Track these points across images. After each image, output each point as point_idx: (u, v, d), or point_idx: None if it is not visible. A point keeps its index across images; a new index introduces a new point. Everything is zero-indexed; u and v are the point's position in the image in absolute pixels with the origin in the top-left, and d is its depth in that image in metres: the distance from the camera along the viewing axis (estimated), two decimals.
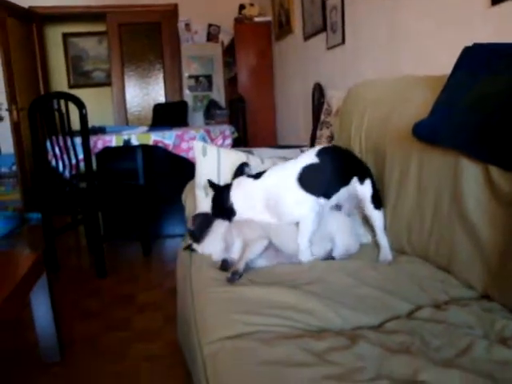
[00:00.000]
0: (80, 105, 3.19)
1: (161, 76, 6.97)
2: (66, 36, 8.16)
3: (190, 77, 6.78)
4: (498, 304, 1.32)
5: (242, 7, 5.75)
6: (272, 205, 1.70)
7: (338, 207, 1.84)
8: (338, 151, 1.84)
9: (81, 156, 3.33)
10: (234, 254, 1.69)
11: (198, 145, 2.06)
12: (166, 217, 4.26)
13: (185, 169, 3.07)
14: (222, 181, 1.95)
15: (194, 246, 1.85)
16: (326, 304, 1.32)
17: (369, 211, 1.80)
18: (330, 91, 3.76)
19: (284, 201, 1.69)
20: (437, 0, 2.44)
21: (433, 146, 1.55)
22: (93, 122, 3.85)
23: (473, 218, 1.40)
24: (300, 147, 2.44)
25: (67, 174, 3.43)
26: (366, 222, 1.89)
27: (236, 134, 4.30)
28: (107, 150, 3.74)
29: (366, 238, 1.89)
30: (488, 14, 2.07)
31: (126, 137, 3.72)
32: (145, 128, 4.27)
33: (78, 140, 3.29)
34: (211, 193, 1.89)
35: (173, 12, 6.57)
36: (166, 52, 6.84)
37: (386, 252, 1.73)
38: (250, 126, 5.12)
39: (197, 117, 6.74)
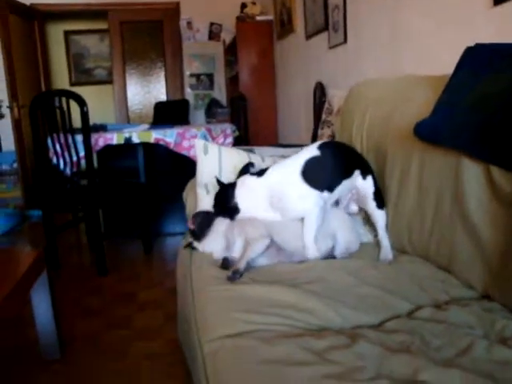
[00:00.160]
0: (81, 102, 3.18)
1: (162, 74, 6.97)
2: (67, 33, 8.16)
3: (192, 75, 6.78)
4: (499, 304, 1.32)
5: (243, 6, 5.74)
6: (276, 201, 1.70)
7: (336, 203, 1.84)
8: (340, 145, 1.86)
9: (82, 154, 3.34)
10: (235, 253, 1.70)
11: (199, 143, 2.06)
12: (167, 215, 4.26)
13: (186, 167, 3.07)
14: (224, 179, 1.95)
15: (195, 244, 1.85)
16: (327, 303, 1.32)
17: (371, 210, 1.80)
18: (332, 90, 3.76)
19: (288, 196, 1.69)
20: (438, 0, 2.44)
21: (434, 145, 1.55)
22: (94, 119, 3.86)
23: (474, 218, 1.40)
24: (301, 146, 2.44)
25: (68, 171, 3.43)
26: (367, 221, 1.89)
27: (237, 133, 4.30)
28: (108, 148, 3.74)
29: (367, 238, 1.89)
30: (490, 14, 2.07)
31: (127, 135, 3.72)
32: (146, 126, 4.27)
33: (79, 137, 3.29)
34: (213, 191, 1.89)
35: (175, 10, 6.57)
36: (168, 50, 6.83)
37: (386, 251, 1.73)
38: (252, 125, 5.12)
39: (198, 115, 6.74)
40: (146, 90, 6.99)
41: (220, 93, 6.83)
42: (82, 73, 8.34)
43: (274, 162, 2.00)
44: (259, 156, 2.10)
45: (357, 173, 1.76)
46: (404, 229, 1.72)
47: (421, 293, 1.41)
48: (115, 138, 3.69)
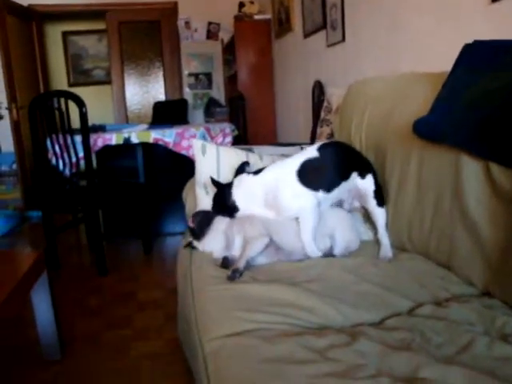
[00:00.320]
0: (80, 103, 3.18)
1: (161, 74, 6.97)
2: (65, 34, 8.15)
3: (190, 75, 6.77)
4: (499, 301, 1.32)
5: (241, 5, 5.74)
6: (270, 199, 1.71)
7: (339, 203, 1.85)
8: (340, 146, 1.85)
9: (81, 154, 3.33)
10: (235, 252, 1.70)
11: (197, 143, 2.06)
12: (167, 215, 4.26)
13: (185, 166, 3.06)
14: (222, 179, 1.95)
15: (195, 243, 1.85)
16: (327, 301, 1.33)
17: (371, 208, 1.80)
18: (330, 89, 3.75)
19: (282, 195, 1.69)
20: None
21: (433, 143, 1.55)
22: (93, 120, 3.85)
23: (473, 215, 1.40)
24: (300, 145, 2.44)
25: (67, 172, 3.43)
26: (367, 219, 1.89)
27: (236, 132, 4.30)
28: (107, 148, 3.74)
29: (367, 235, 1.89)
30: (488, 11, 2.07)
31: (126, 135, 3.72)
32: (145, 126, 4.27)
33: (78, 138, 3.29)
34: (212, 191, 1.89)
35: (172, 10, 6.56)
36: (166, 50, 6.83)
37: (386, 249, 1.74)
38: (250, 124, 5.12)
39: (197, 115, 6.74)
40: (144, 90, 6.99)
41: (218, 92, 6.83)
42: (80, 73, 8.33)
43: (272, 161, 2.00)
44: (258, 155, 2.10)
45: (354, 175, 1.77)
46: (404, 226, 1.73)
47: (421, 290, 1.41)
48: (114, 139, 3.69)
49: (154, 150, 4.04)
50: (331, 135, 3.35)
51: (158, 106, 6.45)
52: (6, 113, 5.52)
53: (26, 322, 2.34)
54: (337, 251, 1.72)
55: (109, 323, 2.61)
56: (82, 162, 3.32)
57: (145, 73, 6.96)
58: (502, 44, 1.49)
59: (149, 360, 2.21)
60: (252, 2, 5.76)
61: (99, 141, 3.67)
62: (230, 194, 1.77)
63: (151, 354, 2.26)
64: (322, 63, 4.20)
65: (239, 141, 4.32)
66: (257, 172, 1.79)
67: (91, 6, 6.43)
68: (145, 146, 3.87)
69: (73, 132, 3.33)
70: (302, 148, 2.17)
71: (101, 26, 7.16)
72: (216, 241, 1.78)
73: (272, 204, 1.71)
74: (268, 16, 5.63)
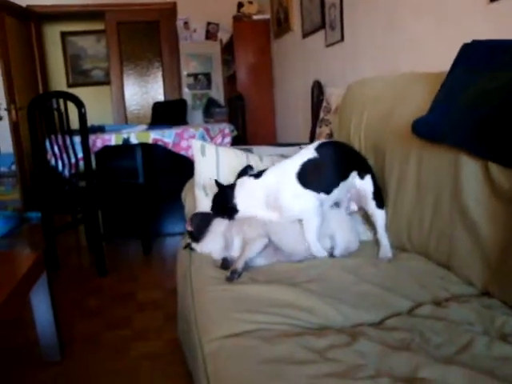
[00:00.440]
0: (79, 104, 3.18)
1: (160, 74, 6.97)
2: (64, 35, 8.14)
3: (189, 75, 6.77)
4: (498, 300, 1.32)
5: (240, 5, 5.74)
6: (272, 201, 1.71)
7: (336, 204, 1.85)
8: (338, 145, 1.85)
9: (80, 155, 3.34)
10: (234, 252, 1.70)
11: (196, 144, 2.06)
12: (166, 215, 4.26)
13: (184, 167, 3.06)
14: (221, 179, 1.95)
15: (193, 245, 1.85)
16: (327, 301, 1.33)
17: (371, 209, 1.80)
18: (329, 89, 3.76)
19: (283, 196, 1.69)
20: None
21: (432, 143, 1.55)
22: (92, 120, 3.85)
23: (473, 214, 1.40)
24: (299, 145, 2.44)
25: (66, 173, 3.43)
26: (366, 219, 1.89)
27: (235, 132, 4.30)
28: (106, 149, 3.74)
29: (366, 236, 1.89)
30: (486, 11, 2.07)
31: (125, 135, 3.71)
32: (144, 126, 4.27)
33: (78, 139, 3.29)
34: (211, 192, 1.89)
35: (171, 10, 6.56)
36: (165, 50, 6.83)
37: (386, 249, 1.74)
38: (250, 124, 5.12)
39: (196, 115, 6.74)
40: (143, 91, 6.99)
41: (218, 92, 6.83)
42: (79, 74, 8.33)
43: (272, 162, 2.00)
44: (257, 156, 2.10)
45: (353, 174, 1.77)
46: (403, 226, 1.73)
47: (420, 290, 1.41)
48: (113, 139, 3.69)
49: (153, 151, 4.04)
50: (330, 135, 3.35)
51: (157, 106, 6.45)
52: (5, 114, 5.52)
53: (25, 322, 2.34)
54: (337, 252, 1.72)
55: (108, 324, 2.61)
56: (82, 163, 3.32)
57: (144, 73, 6.96)
58: (500, 44, 1.49)
59: (148, 360, 2.21)
60: (251, 2, 5.76)
61: (98, 141, 3.66)
62: (232, 195, 1.77)
63: (151, 354, 2.26)
64: (320, 63, 4.20)
65: (238, 141, 4.32)
66: (258, 175, 1.79)
67: (90, 7, 6.43)
68: (144, 146, 3.87)
69: (72, 133, 3.33)
70: (301, 149, 2.17)
71: (99, 26, 7.16)
72: (215, 242, 1.78)
73: (274, 206, 1.71)
74: (267, 16, 5.63)
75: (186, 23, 6.56)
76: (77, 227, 4.53)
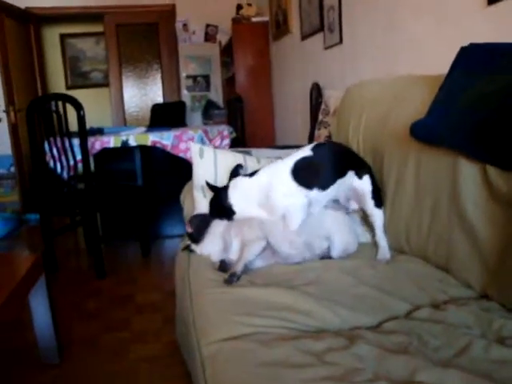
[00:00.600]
0: (78, 106, 3.19)
1: (159, 76, 6.97)
2: (63, 37, 8.15)
3: (188, 77, 6.78)
4: (497, 303, 1.32)
5: (239, 7, 5.75)
6: (263, 199, 1.71)
7: (337, 205, 1.84)
8: (334, 145, 1.87)
9: (79, 157, 3.34)
10: (233, 255, 1.70)
11: (194, 147, 2.06)
12: (165, 217, 4.25)
13: (183, 169, 3.06)
14: (219, 182, 1.95)
15: (193, 246, 1.85)
16: (324, 304, 1.33)
17: (369, 209, 1.80)
18: (328, 91, 3.76)
19: (274, 193, 1.68)
20: (433, 0, 2.44)
21: (430, 145, 1.55)
22: (91, 123, 3.85)
23: (471, 217, 1.41)
24: (298, 147, 2.44)
25: (65, 175, 3.43)
26: (365, 221, 1.89)
27: (234, 134, 4.30)
28: (105, 151, 3.74)
29: (365, 238, 1.89)
30: (484, 14, 2.07)
31: (124, 137, 3.72)
32: (143, 129, 4.27)
33: (76, 141, 3.29)
34: (209, 194, 1.89)
35: (170, 12, 6.57)
36: (164, 52, 6.83)
37: (384, 251, 1.74)
38: (248, 126, 5.12)
39: (195, 117, 6.74)
40: (142, 93, 6.99)
41: (216, 94, 6.83)
42: (78, 76, 8.33)
43: (269, 162, 2.00)
44: (255, 158, 2.11)
45: (351, 173, 1.76)
46: (402, 229, 1.73)
47: (419, 293, 1.41)
48: (112, 141, 3.69)
49: (152, 153, 4.04)
50: (329, 137, 3.35)
51: (156, 108, 6.45)
52: (3, 116, 5.52)
53: (23, 324, 2.34)
54: (334, 253, 1.72)
55: (107, 326, 2.60)
56: (80, 165, 3.32)
57: (143, 75, 6.96)
58: (497, 47, 1.49)
59: (147, 363, 2.21)
60: (250, 5, 5.77)
61: (97, 144, 3.67)
62: (226, 197, 1.77)
63: (149, 356, 2.26)
64: (319, 65, 4.20)
65: (237, 143, 4.32)
66: (252, 174, 1.79)
67: (89, 9, 6.43)
68: (143, 148, 3.87)
69: (71, 135, 3.33)
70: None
71: (99, 28, 7.16)
72: (214, 244, 1.78)
73: (264, 203, 1.71)
74: (266, 18, 5.63)
75: (185, 25, 6.57)
76: (75, 229, 4.53)
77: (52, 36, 8.02)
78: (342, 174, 1.74)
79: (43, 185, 3.52)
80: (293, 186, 1.67)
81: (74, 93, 3.87)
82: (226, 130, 4.09)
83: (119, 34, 6.72)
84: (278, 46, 5.42)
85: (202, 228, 1.83)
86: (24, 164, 5.69)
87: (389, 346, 1.11)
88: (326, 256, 1.72)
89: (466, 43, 1.60)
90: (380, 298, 1.39)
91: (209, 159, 2.03)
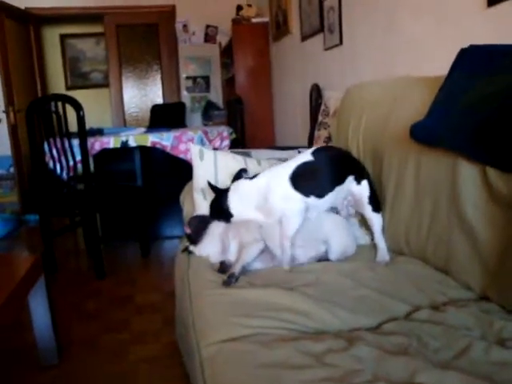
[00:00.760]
0: (77, 107, 3.19)
1: (158, 77, 6.97)
2: (63, 37, 8.15)
3: (188, 78, 6.78)
4: (497, 305, 1.32)
5: (239, 8, 5.75)
6: (261, 202, 1.71)
7: (334, 210, 1.84)
8: (334, 150, 1.86)
9: (78, 158, 3.34)
10: (231, 256, 1.70)
11: (194, 148, 2.06)
12: (165, 218, 4.25)
13: (183, 170, 3.06)
14: (220, 184, 1.95)
15: (191, 248, 1.85)
16: (324, 306, 1.33)
17: (367, 213, 1.80)
18: (328, 92, 3.76)
19: (272, 197, 1.69)
20: (433, 1, 2.44)
21: (430, 147, 1.55)
22: (90, 123, 3.85)
23: (470, 219, 1.40)
24: (298, 148, 2.44)
25: (65, 175, 3.43)
26: (363, 223, 1.89)
27: (234, 135, 4.30)
28: (105, 152, 3.74)
29: (364, 240, 1.89)
30: (484, 15, 2.07)
31: (123, 138, 3.72)
32: (142, 129, 4.27)
33: (76, 142, 3.29)
34: (210, 196, 1.89)
35: (170, 13, 6.57)
36: (164, 53, 6.83)
37: (383, 253, 1.74)
38: (248, 127, 5.12)
39: (195, 118, 6.74)
40: (142, 93, 6.99)
41: (216, 95, 6.83)
42: (78, 76, 8.33)
43: (270, 166, 2.00)
44: (255, 159, 2.11)
45: (350, 178, 1.76)
46: (401, 230, 1.73)
47: (418, 294, 1.41)
48: (112, 142, 3.69)
49: (151, 154, 4.04)
50: (329, 138, 3.35)
51: (155, 109, 6.46)
52: (3, 116, 5.52)
53: (23, 325, 2.34)
54: (333, 256, 1.71)
55: (106, 327, 2.60)
56: (80, 166, 3.32)
57: (143, 76, 6.96)
58: (497, 49, 1.49)
59: (147, 364, 2.21)
60: (250, 5, 5.77)
61: (97, 144, 3.67)
62: (225, 199, 1.77)
63: (149, 357, 2.26)
64: (319, 66, 4.20)
65: (237, 144, 4.32)
66: (252, 177, 1.79)
67: (89, 9, 6.43)
68: (142, 149, 3.87)
69: (70, 135, 3.33)
70: (299, 152, 2.17)
71: (98, 29, 7.17)
72: (212, 245, 1.78)
73: (262, 206, 1.71)
74: (266, 19, 5.63)
75: (185, 26, 6.57)
76: (75, 230, 4.53)
77: (52, 36, 8.02)
78: (341, 181, 1.74)
79: (43, 185, 3.52)
80: (290, 190, 1.67)
81: (74, 93, 3.87)
82: (225, 130, 4.09)
83: (119, 35, 6.73)
84: (277, 46, 5.42)
85: (200, 229, 1.83)
86: (23, 165, 5.69)
87: (388, 347, 1.11)
88: (324, 259, 1.72)
89: (465, 45, 1.60)
90: (379, 299, 1.38)
91: (209, 161, 2.03)
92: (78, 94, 3.78)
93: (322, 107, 3.68)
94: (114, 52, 6.75)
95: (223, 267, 1.66)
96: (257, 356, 1.10)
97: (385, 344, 1.12)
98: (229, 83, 6.35)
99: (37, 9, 6.16)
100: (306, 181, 1.68)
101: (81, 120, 3.19)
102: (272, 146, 5.12)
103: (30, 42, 6.19)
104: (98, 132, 4.07)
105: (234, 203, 1.76)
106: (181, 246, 2.07)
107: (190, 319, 1.46)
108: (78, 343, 2.43)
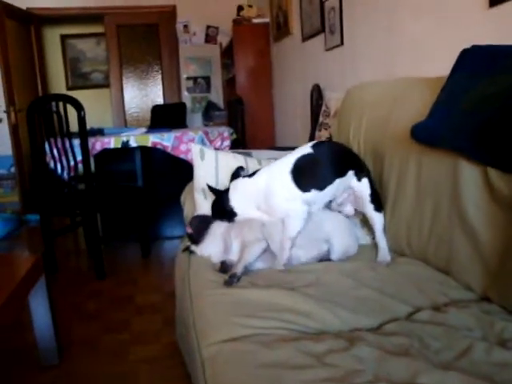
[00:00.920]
0: (78, 107, 3.19)
1: (159, 77, 6.97)
2: (64, 37, 8.16)
3: (189, 78, 6.79)
4: (498, 306, 1.32)
5: (240, 9, 5.74)
6: (262, 199, 1.71)
7: (333, 204, 1.84)
8: (335, 144, 1.86)
9: (79, 158, 3.34)
10: (233, 256, 1.70)
11: (195, 148, 2.06)
12: (165, 218, 4.25)
13: (183, 170, 3.06)
14: (221, 184, 1.95)
15: (193, 247, 1.85)
16: (325, 306, 1.32)
17: (369, 213, 1.79)
18: (329, 93, 3.76)
19: (274, 194, 1.68)
20: (434, 2, 2.44)
21: (431, 147, 1.55)
22: (91, 123, 3.85)
23: (472, 220, 1.40)
24: None
25: (65, 175, 3.43)
26: (365, 223, 1.89)
27: (234, 136, 4.30)
28: (106, 152, 3.74)
29: (365, 240, 1.89)
30: (486, 16, 2.07)
31: (124, 138, 3.72)
32: (143, 129, 4.27)
33: (77, 142, 3.29)
34: (210, 196, 1.89)
35: (171, 13, 6.58)
36: (164, 53, 6.84)
37: (384, 253, 1.73)
38: (249, 128, 5.12)
39: (195, 118, 6.75)
40: (143, 94, 6.99)
41: (217, 95, 6.84)
42: (78, 77, 8.34)
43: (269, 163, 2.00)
44: (256, 159, 2.10)
45: (351, 173, 1.75)
46: (402, 231, 1.72)
47: (419, 295, 1.41)
48: (112, 142, 3.69)
49: (152, 154, 4.04)
50: (330, 139, 3.35)
51: (156, 109, 6.44)
52: (4, 116, 5.53)
53: (23, 325, 2.34)
54: (334, 256, 1.71)
55: (107, 327, 2.60)
56: (80, 166, 3.33)
57: (143, 76, 6.97)
58: (499, 49, 1.49)
59: (147, 364, 2.20)
60: (250, 6, 5.77)
61: (97, 144, 3.67)
62: (227, 199, 1.77)
63: (149, 358, 2.26)
64: (320, 67, 4.20)
65: (237, 144, 4.32)
66: (252, 174, 1.79)
67: (89, 10, 6.44)
68: (143, 149, 3.87)
69: (71, 135, 3.33)
70: None
71: (99, 29, 7.18)
72: (214, 245, 1.78)
73: (265, 203, 1.71)
74: (266, 20, 5.63)
75: (185, 26, 6.58)
76: (76, 230, 4.52)
77: (53, 37, 8.03)
78: (342, 174, 1.73)
79: (43, 185, 3.52)
80: (292, 187, 1.66)
81: (75, 93, 3.87)
82: (226, 131, 4.09)
83: (120, 35, 6.73)
84: (278, 47, 5.42)
85: (201, 229, 1.83)
86: (24, 164, 5.70)
87: (389, 347, 1.11)
88: (326, 258, 1.72)
89: (467, 45, 1.60)
90: (380, 299, 1.38)
91: (210, 161, 2.02)
92: (78, 95, 3.77)
93: (323, 108, 3.68)
94: (114, 52, 6.75)
95: (224, 267, 1.66)
96: (258, 356, 1.10)
97: (386, 344, 1.12)
98: (229, 84, 6.35)
99: (38, 9, 6.17)
100: (307, 173, 1.68)
101: (82, 120, 3.19)
102: (272, 146, 5.12)
103: (31, 42, 6.20)
104: (99, 132, 4.07)
105: (237, 202, 1.76)
106: (181, 246, 2.06)
107: (191, 319, 1.46)
108: (78, 343, 2.43)
